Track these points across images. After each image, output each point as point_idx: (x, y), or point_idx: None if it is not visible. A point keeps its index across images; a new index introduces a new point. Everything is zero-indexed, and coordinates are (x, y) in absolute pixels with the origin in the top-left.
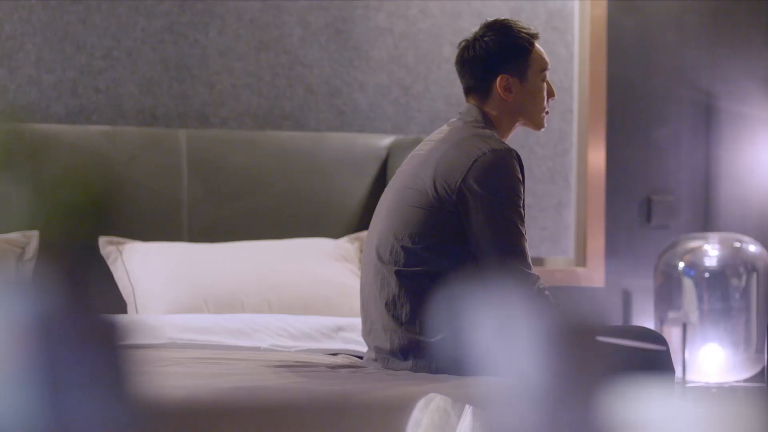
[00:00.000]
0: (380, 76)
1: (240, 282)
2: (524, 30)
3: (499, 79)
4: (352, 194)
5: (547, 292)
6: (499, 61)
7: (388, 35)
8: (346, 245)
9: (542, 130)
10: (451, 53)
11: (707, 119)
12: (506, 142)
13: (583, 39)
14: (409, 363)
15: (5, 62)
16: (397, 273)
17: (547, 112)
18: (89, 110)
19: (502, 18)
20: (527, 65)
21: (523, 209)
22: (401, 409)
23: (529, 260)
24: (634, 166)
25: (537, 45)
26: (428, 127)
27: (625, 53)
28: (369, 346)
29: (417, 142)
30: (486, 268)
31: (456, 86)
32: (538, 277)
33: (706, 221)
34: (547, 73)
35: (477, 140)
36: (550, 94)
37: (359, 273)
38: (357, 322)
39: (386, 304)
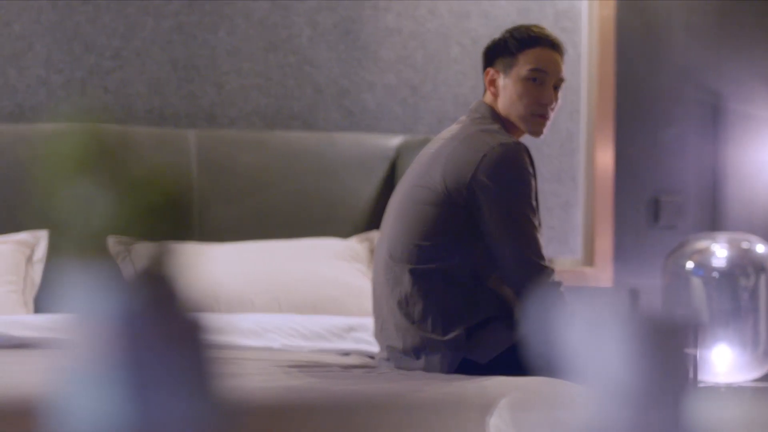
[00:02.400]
0: (389, 77)
1: (250, 282)
2: (527, 31)
3: (486, 72)
4: (360, 194)
5: (561, 288)
6: (491, 55)
7: (397, 35)
8: (356, 245)
9: (540, 137)
10: (459, 53)
11: (714, 120)
12: (515, 137)
13: (591, 39)
14: (422, 362)
15: (14, 62)
16: (410, 271)
17: (542, 116)
18: (98, 110)
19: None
20: (514, 63)
21: (536, 201)
22: (419, 408)
23: (543, 252)
24: (641, 166)
25: (539, 49)
26: (436, 127)
27: (633, 53)
28: (381, 346)
29: (425, 141)
30: (500, 263)
31: (464, 86)
32: (552, 271)
33: (714, 221)
34: (546, 80)
35: (485, 135)
36: (544, 99)
37: (369, 273)
38: (368, 321)
39: (398, 302)
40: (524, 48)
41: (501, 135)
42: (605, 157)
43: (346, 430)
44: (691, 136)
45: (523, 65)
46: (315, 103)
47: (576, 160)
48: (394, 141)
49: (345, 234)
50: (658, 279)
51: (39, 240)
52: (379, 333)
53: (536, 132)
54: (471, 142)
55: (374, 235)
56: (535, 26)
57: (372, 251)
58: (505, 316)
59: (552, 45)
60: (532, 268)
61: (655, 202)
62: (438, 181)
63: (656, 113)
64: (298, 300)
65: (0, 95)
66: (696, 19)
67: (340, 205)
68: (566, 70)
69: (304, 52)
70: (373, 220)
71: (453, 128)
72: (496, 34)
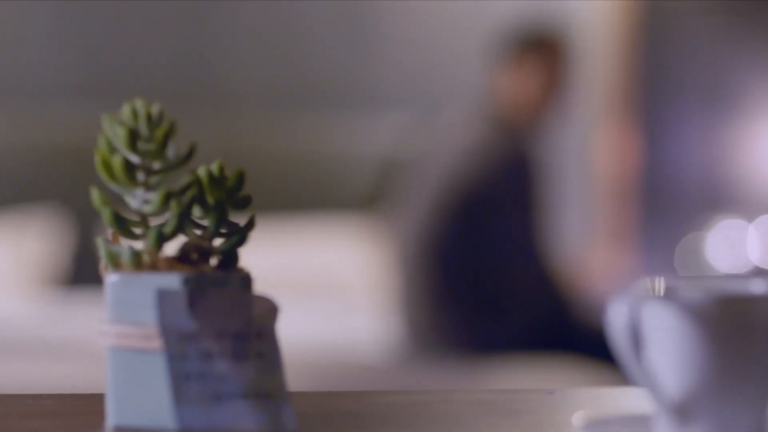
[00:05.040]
0: (396, 60)
1: (256, 267)
2: (531, 29)
3: (491, 67)
4: (367, 176)
5: (561, 281)
6: (496, 51)
7: (404, 19)
8: (362, 227)
9: (548, 125)
10: (466, 37)
11: (728, 112)
12: (525, 133)
13: (602, 34)
14: (444, 345)
15: (18, 48)
16: (430, 258)
17: (543, 110)
18: (105, 97)
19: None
20: (518, 60)
21: (542, 197)
22: (440, 391)
23: (547, 247)
24: (655, 159)
25: (543, 47)
26: (444, 111)
27: (645, 47)
28: (401, 330)
29: (432, 125)
30: (517, 256)
31: (469, 72)
32: (554, 265)
33: (728, 213)
34: (550, 75)
35: (494, 136)
36: (548, 93)
37: (378, 256)
38: (378, 308)
39: (419, 288)
40: (528, 46)
41: (510, 135)
42: (617, 151)
43: (359, 424)
44: (704, 128)
45: (527, 63)
46: (321, 84)
47: (586, 153)
48: (400, 123)
49: (351, 215)
50: (673, 272)
51: (34, 217)
52: (400, 318)
53: (542, 122)
54: (482, 140)
55: (380, 217)
56: (539, 23)
57: (378, 229)
58: (526, 303)
59: (556, 41)
60: (542, 261)
61: (668, 195)
62: (457, 182)
63: (668, 107)
64: (306, 283)
65: (7, 82)
66: (710, 14)
67: (347, 187)
68: (573, 63)
69: (311, 35)
70: (379, 203)
71: (464, 121)
72: (502, 21)
